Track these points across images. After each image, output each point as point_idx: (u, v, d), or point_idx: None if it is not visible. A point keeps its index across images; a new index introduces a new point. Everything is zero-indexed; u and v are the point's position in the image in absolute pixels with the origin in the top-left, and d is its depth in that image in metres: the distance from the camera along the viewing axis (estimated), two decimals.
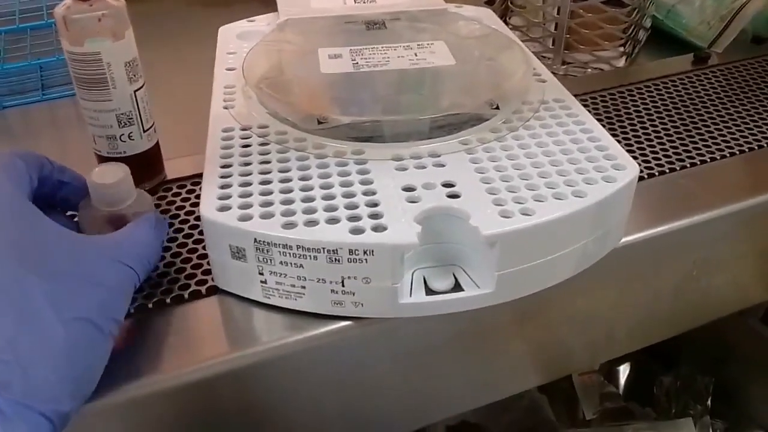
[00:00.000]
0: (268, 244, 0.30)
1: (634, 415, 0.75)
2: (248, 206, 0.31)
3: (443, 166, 0.34)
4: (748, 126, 0.49)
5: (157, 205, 0.40)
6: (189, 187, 0.41)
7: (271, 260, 0.30)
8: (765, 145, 0.47)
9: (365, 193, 0.32)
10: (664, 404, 0.75)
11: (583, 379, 0.75)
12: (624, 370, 0.79)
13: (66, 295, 0.26)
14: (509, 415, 0.68)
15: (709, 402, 0.72)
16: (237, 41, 0.47)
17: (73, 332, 0.25)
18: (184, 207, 0.40)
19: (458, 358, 0.37)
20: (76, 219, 0.35)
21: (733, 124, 0.49)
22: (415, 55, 0.41)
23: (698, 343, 0.75)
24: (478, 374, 0.39)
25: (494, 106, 0.37)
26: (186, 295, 0.33)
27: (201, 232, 0.36)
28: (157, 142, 0.41)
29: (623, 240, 0.38)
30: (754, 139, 0.47)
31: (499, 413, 0.69)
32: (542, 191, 0.32)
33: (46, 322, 0.25)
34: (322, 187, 0.33)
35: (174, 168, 0.43)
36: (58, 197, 0.34)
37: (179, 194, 0.41)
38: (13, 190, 0.29)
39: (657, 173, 0.43)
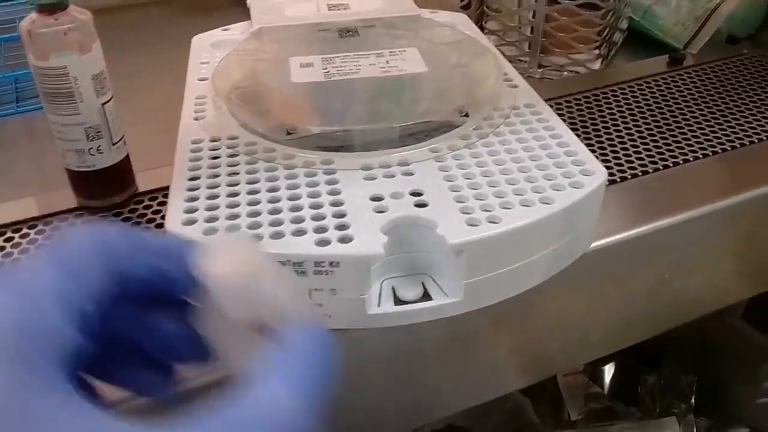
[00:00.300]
0: None
1: (618, 415, 0.75)
2: (214, 219, 0.31)
3: (412, 174, 0.34)
4: (721, 127, 0.49)
5: (127, 219, 0.40)
6: (161, 199, 0.41)
7: None
8: (738, 145, 0.47)
9: (333, 204, 0.32)
10: (648, 403, 0.75)
11: (567, 380, 0.76)
12: (609, 370, 0.80)
13: None
14: (494, 418, 0.68)
15: (692, 400, 0.73)
16: (210, 50, 0.47)
17: None
18: (155, 219, 0.39)
19: (433, 366, 0.37)
20: None
21: (707, 125, 0.49)
22: (387, 62, 0.41)
23: (681, 342, 0.75)
24: (455, 380, 0.39)
25: (463, 114, 0.37)
26: None
27: None
28: (127, 155, 0.40)
29: (594, 244, 0.38)
30: (727, 140, 0.47)
31: (483, 417, 0.69)
32: (510, 198, 0.32)
33: None
34: (290, 199, 0.32)
35: (147, 180, 0.43)
36: (164, 292, 0.22)
37: (150, 206, 0.41)
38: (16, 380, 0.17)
39: (630, 176, 0.43)
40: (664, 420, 0.70)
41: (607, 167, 0.44)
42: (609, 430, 0.70)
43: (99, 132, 0.38)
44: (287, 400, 0.19)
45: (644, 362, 0.78)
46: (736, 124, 0.49)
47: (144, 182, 0.43)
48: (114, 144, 0.39)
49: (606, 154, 0.45)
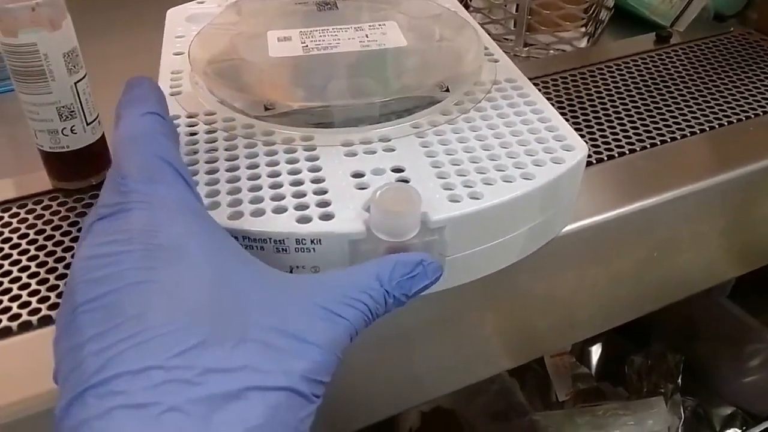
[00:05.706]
0: None
1: (606, 396, 0.75)
2: None
3: (393, 150, 0.33)
4: (709, 105, 0.48)
5: None
6: None
7: None
8: (726, 123, 0.46)
9: (313, 181, 0.31)
10: (635, 383, 0.76)
11: (555, 362, 0.76)
12: (596, 351, 0.80)
13: (265, 366, 0.21)
14: (481, 400, 0.68)
15: (679, 380, 0.73)
16: (186, 24, 0.46)
17: (272, 405, 0.21)
18: None
19: (419, 347, 0.37)
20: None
21: (694, 104, 0.48)
22: (366, 36, 0.40)
23: (668, 321, 0.75)
24: (442, 362, 0.39)
25: (444, 89, 0.37)
26: None
27: None
28: (103, 135, 0.39)
29: (580, 223, 0.37)
30: (714, 118, 0.47)
31: (471, 398, 0.69)
32: (491, 174, 0.31)
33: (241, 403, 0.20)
34: (270, 176, 0.32)
35: None
36: None
37: None
38: (197, 206, 0.25)
39: (617, 155, 0.43)
40: (652, 400, 0.70)
41: (594, 146, 0.44)
42: (596, 410, 0.70)
43: (72, 111, 0.37)
44: (372, 277, 0.26)
45: (632, 341, 0.78)
46: (724, 101, 0.49)
47: None
48: (88, 124, 0.38)
49: (593, 133, 0.45)
